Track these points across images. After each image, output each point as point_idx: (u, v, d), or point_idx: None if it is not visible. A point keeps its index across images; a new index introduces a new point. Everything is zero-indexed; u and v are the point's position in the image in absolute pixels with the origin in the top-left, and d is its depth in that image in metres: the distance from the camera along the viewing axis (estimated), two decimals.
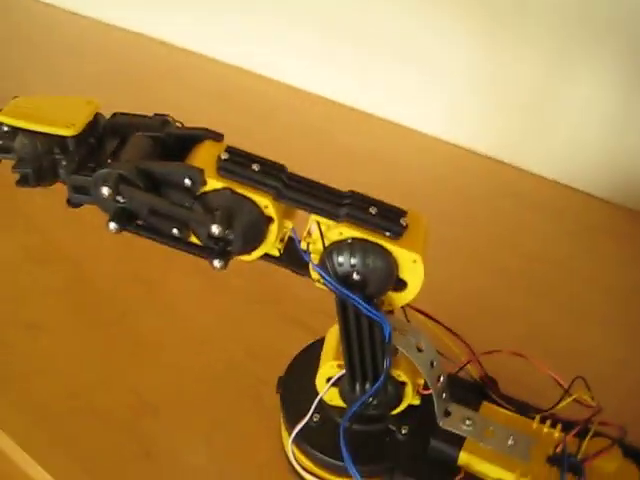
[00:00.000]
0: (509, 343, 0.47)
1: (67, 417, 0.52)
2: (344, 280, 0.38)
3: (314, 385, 0.45)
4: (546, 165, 0.76)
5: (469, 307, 0.59)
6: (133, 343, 0.57)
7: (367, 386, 0.43)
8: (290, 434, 0.44)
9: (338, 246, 0.37)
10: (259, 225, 0.38)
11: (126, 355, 0.56)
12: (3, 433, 0.51)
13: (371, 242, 0.37)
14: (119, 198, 0.38)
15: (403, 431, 0.44)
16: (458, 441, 0.43)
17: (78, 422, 0.51)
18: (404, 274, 0.38)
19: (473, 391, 0.46)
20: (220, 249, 0.38)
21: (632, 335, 0.59)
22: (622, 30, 0.65)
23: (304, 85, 0.92)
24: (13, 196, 0.73)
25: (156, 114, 0.41)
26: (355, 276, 0.38)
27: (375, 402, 0.43)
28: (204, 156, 0.38)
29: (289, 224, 0.39)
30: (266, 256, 0.40)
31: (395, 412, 0.45)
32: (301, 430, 0.44)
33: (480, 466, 0.42)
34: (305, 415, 0.44)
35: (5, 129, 0.39)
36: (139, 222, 0.39)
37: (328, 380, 0.44)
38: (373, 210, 0.37)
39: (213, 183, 0.37)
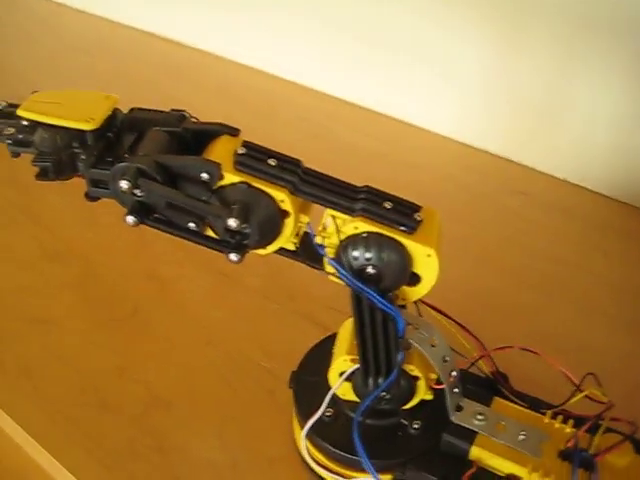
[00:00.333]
0: (518, 340, 0.47)
1: (81, 411, 0.52)
2: (359, 274, 0.38)
3: (326, 380, 0.45)
4: (555, 164, 0.76)
5: (478, 304, 0.59)
6: (145, 339, 0.58)
7: (380, 380, 0.43)
8: (303, 428, 0.44)
9: (353, 240, 0.38)
10: (275, 219, 0.38)
11: (138, 351, 0.57)
12: (17, 426, 0.51)
13: (386, 236, 0.37)
14: (137, 192, 0.38)
15: (415, 426, 0.45)
16: (470, 436, 0.43)
17: (92, 416, 0.51)
18: (418, 268, 0.38)
19: (484, 386, 0.46)
20: (236, 243, 0.38)
21: None
22: (631, 31, 0.65)
23: (312, 83, 0.93)
24: (27, 194, 0.74)
25: (173, 109, 0.41)
26: (370, 270, 0.38)
27: (388, 396, 0.44)
28: (221, 151, 0.39)
29: (305, 218, 0.39)
30: (282, 250, 0.40)
31: (407, 407, 0.45)
32: (314, 424, 0.44)
33: (492, 461, 0.42)
34: (317, 409, 0.44)
35: (24, 123, 0.40)
36: (156, 215, 0.40)
37: (341, 374, 0.44)
38: (388, 205, 0.38)
39: (230, 177, 0.37)
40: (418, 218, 0.38)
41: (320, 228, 0.39)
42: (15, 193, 0.74)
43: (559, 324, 0.59)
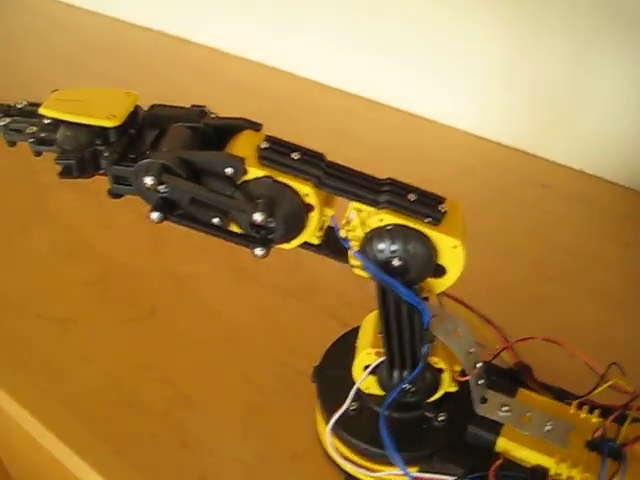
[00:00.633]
0: (539, 332, 0.46)
1: (105, 410, 0.52)
2: (384, 266, 0.38)
3: (349, 374, 0.45)
4: (573, 156, 0.76)
5: (498, 297, 0.59)
6: (166, 337, 0.58)
7: (405, 373, 0.43)
8: (327, 423, 0.44)
9: (378, 233, 0.38)
10: (300, 213, 0.38)
11: (159, 348, 0.57)
12: (40, 424, 0.51)
13: (411, 228, 0.37)
14: (160, 188, 0.38)
15: (440, 418, 0.45)
16: (495, 427, 0.43)
17: (116, 415, 0.52)
18: (443, 260, 0.38)
19: (509, 378, 0.46)
20: (262, 237, 0.38)
21: None
22: None
23: (330, 80, 0.92)
24: (44, 194, 0.74)
25: (194, 105, 0.41)
26: (395, 262, 0.38)
27: (413, 389, 0.44)
28: (244, 145, 0.38)
29: (329, 212, 0.39)
30: (306, 244, 0.40)
31: (432, 399, 0.45)
32: (338, 419, 0.44)
33: (518, 452, 0.42)
34: (341, 404, 0.44)
35: (46, 122, 0.39)
36: (180, 212, 0.40)
37: (365, 368, 0.44)
38: (412, 197, 0.37)
39: (254, 172, 0.37)
40: (443, 210, 0.37)
41: (344, 222, 0.39)
42: (33, 194, 0.75)
43: (579, 315, 0.59)
